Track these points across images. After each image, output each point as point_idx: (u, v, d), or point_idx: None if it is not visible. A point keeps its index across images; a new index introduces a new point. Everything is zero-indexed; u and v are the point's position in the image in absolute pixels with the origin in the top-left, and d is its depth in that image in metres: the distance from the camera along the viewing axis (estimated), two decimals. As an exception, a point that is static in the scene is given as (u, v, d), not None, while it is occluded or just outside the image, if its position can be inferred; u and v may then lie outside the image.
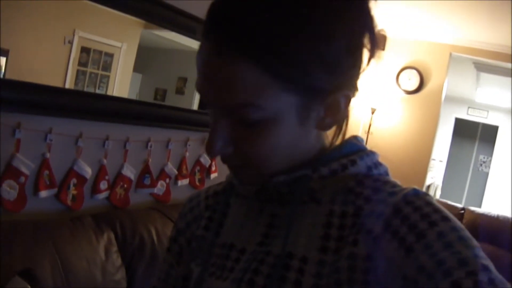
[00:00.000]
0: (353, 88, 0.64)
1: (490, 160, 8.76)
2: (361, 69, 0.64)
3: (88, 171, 2.14)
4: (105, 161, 2.24)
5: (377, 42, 0.63)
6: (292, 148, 0.64)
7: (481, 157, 9.11)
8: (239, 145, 0.62)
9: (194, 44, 2.60)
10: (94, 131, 2.16)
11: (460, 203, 7.71)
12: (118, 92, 2.35)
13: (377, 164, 0.70)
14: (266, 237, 0.69)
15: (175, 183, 2.78)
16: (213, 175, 3.08)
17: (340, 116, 0.65)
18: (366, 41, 0.62)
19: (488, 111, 8.50)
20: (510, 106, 7.80)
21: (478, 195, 8.75)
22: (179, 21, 2.47)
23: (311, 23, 0.56)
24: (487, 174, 8.78)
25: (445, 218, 0.57)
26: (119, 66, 2.32)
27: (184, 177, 2.84)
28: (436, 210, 0.58)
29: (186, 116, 2.75)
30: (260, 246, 0.68)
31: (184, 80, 2.91)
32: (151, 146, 2.51)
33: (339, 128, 0.70)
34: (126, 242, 2.11)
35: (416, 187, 0.63)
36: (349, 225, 0.62)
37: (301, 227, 0.65)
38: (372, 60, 0.64)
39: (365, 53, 0.64)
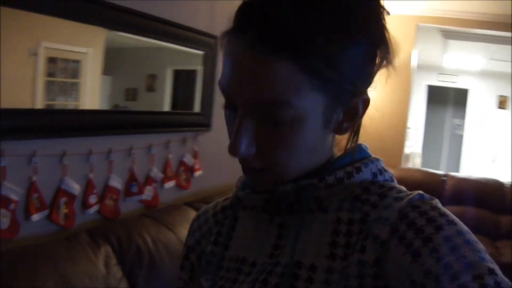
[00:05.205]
0: (368, 94, 0.67)
1: (464, 123, 8.93)
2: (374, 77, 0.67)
3: (76, 188, 2.13)
4: (91, 175, 2.24)
5: (390, 52, 0.65)
6: (312, 152, 0.65)
7: (455, 121, 9.27)
8: (263, 146, 0.62)
9: (159, 41, 2.60)
10: (77, 147, 2.15)
11: (440, 168, 7.86)
12: (90, 97, 2.32)
13: (382, 170, 0.70)
14: (276, 248, 0.69)
15: (162, 186, 2.79)
16: (197, 173, 3.08)
17: (357, 121, 0.67)
18: (381, 50, 0.65)
19: (457, 76, 8.63)
20: (478, 69, 7.95)
21: (456, 159, 8.92)
22: (143, 24, 2.44)
23: (346, 27, 0.58)
24: (461, 137, 8.95)
25: (451, 222, 0.57)
26: (87, 71, 2.29)
27: (170, 179, 2.84)
28: (442, 214, 0.59)
29: (164, 119, 2.77)
30: (270, 258, 0.69)
31: (153, 77, 2.87)
32: (134, 154, 2.51)
33: (354, 134, 0.71)
34: (123, 253, 2.11)
35: (421, 192, 0.63)
36: (356, 232, 0.63)
37: (309, 235, 0.66)
38: (382, 67, 0.67)
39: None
